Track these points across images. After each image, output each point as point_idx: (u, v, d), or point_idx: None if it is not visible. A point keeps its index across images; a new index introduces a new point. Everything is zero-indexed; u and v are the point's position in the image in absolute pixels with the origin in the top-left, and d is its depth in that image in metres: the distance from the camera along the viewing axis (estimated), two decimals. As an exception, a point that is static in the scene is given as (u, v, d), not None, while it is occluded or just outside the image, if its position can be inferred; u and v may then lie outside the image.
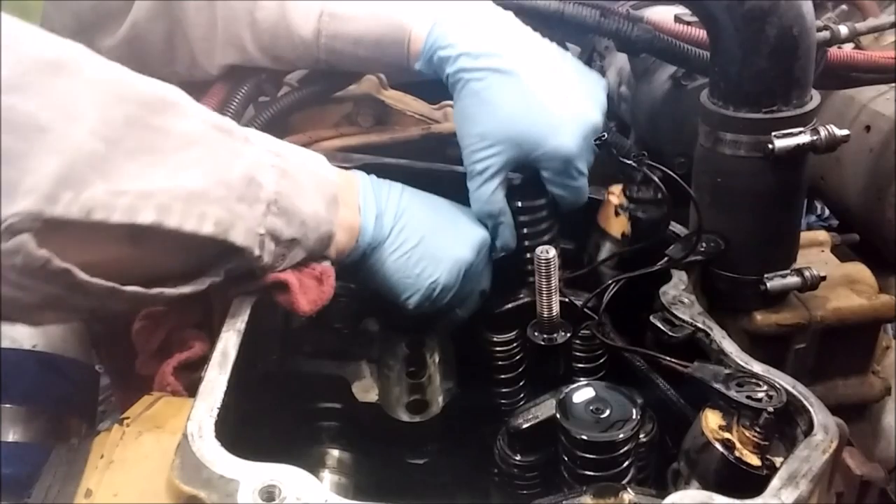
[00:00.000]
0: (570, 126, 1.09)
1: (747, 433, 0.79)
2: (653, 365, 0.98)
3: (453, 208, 1.13)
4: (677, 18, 1.39)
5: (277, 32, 1.24)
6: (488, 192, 1.09)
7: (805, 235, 1.27)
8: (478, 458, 1.12)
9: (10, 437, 1.04)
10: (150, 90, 0.80)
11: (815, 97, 1.09)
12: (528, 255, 1.12)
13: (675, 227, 1.15)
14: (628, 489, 0.75)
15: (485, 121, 1.09)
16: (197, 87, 1.33)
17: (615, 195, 1.18)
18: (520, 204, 1.13)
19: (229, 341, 0.87)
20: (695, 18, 1.33)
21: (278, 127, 1.42)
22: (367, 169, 1.27)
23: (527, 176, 1.13)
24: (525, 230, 1.14)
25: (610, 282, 1.05)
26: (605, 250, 1.19)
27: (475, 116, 1.10)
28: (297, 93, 1.36)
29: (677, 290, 1.02)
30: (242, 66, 1.29)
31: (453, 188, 1.28)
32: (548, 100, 1.10)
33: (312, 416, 1.05)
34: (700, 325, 0.96)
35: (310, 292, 0.93)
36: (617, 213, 1.17)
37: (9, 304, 0.71)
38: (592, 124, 1.12)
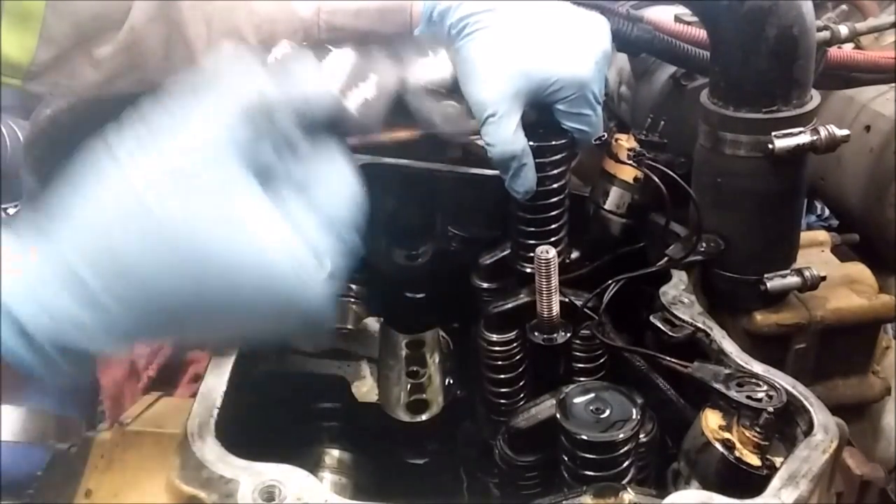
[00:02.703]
0: (580, 51, 1.07)
1: (747, 433, 0.79)
2: (653, 365, 0.98)
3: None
4: (677, 18, 1.39)
5: (276, 16, 1.24)
6: (508, 132, 1.03)
7: (805, 235, 1.27)
8: (478, 458, 1.12)
9: (10, 437, 1.04)
10: None
11: (815, 97, 1.09)
12: (539, 203, 1.09)
13: (675, 227, 1.14)
14: (628, 489, 0.75)
15: (492, 59, 1.06)
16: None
17: (624, 139, 1.15)
18: (535, 144, 1.06)
19: (229, 341, 0.87)
20: (695, 18, 1.33)
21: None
22: (367, 169, 1.28)
23: (540, 117, 1.09)
24: (539, 174, 1.08)
25: (610, 282, 1.05)
26: (615, 196, 1.17)
27: (481, 58, 1.06)
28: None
29: (677, 290, 1.02)
30: None
31: (453, 188, 1.29)
32: (555, 30, 1.08)
33: (312, 416, 1.05)
34: (700, 325, 0.96)
35: None
36: (629, 157, 1.13)
37: None
38: (603, 50, 1.09)
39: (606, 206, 1.17)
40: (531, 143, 1.06)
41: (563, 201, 1.12)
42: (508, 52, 1.05)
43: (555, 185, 1.09)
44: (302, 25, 1.23)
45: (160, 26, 1.23)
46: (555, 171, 1.09)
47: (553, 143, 1.08)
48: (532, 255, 1.07)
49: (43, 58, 1.16)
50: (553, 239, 1.11)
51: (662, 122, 1.21)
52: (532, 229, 1.11)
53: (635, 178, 1.14)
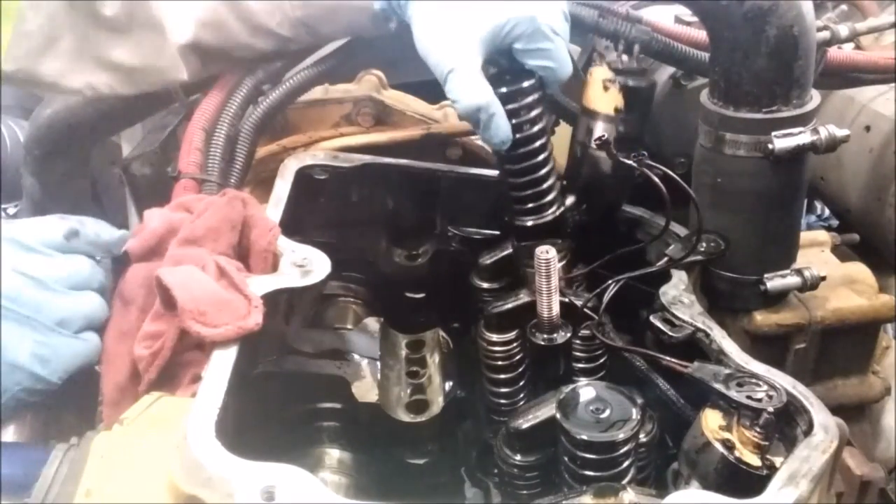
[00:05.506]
0: None
1: (747, 433, 0.79)
2: (653, 365, 0.98)
3: None
4: (677, 19, 1.39)
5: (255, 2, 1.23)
6: (471, 84, 1.03)
7: (805, 235, 1.27)
8: (478, 458, 1.12)
9: (10, 437, 1.04)
10: None
11: (815, 97, 1.09)
12: (522, 150, 1.07)
13: (675, 227, 1.14)
14: (628, 489, 0.75)
15: (441, 16, 1.06)
16: (196, 87, 1.33)
17: (598, 71, 1.12)
18: (504, 90, 1.06)
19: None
20: (694, 19, 1.33)
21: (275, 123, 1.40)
22: (368, 169, 1.28)
23: (504, 65, 1.08)
24: (515, 120, 1.06)
25: (610, 282, 1.05)
26: (600, 131, 1.12)
27: (430, 17, 1.06)
28: (290, 82, 1.35)
29: (677, 290, 1.02)
30: (225, 52, 1.27)
31: (453, 188, 1.29)
32: None
33: (312, 416, 1.05)
34: (700, 325, 0.96)
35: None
36: (606, 88, 1.11)
37: None
38: None
39: (593, 144, 1.14)
40: (502, 89, 1.05)
41: (546, 145, 1.10)
42: (456, 7, 1.05)
43: (534, 129, 1.08)
44: (279, 6, 1.22)
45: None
46: (531, 115, 1.07)
47: (522, 85, 1.06)
48: (528, 206, 1.07)
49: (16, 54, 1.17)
50: (544, 186, 1.10)
51: (637, 47, 1.19)
52: (523, 179, 1.10)
53: (616, 109, 1.11)
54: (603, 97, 1.11)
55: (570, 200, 1.14)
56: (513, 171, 1.10)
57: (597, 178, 1.15)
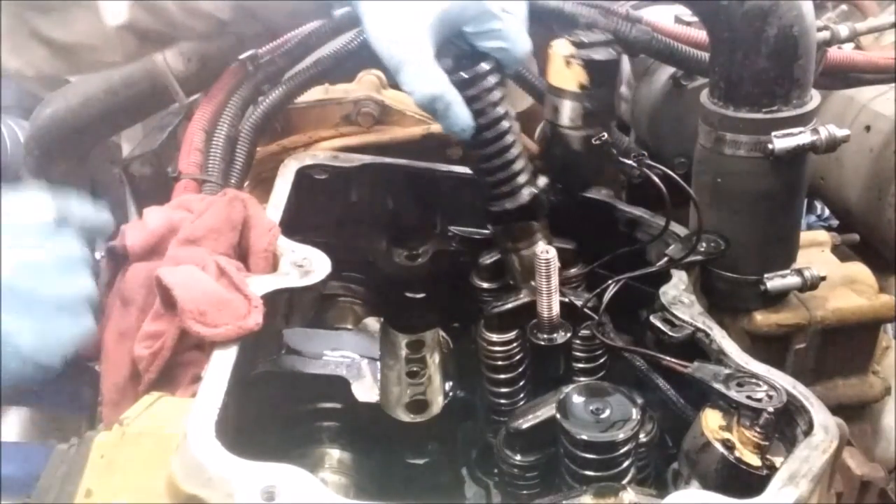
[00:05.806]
0: None
1: (747, 433, 0.79)
2: (653, 365, 0.98)
3: None
4: (677, 19, 1.39)
5: None
6: (424, 75, 1.01)
7: (805, 235, 1.27)
8: (478, 458, 1.12)
9: (10, 437, 1.04)
10: None
11: (815, 97, 1.09)
12: (487, 135, 1.06)
13: (675, 227, 1.14)
14: (628, 489, 0.75)
15: (396, 5, 1.04)
16: (196, 87, 1.33)
17: (559, 46, 1.08)
18: (461, 76, 1.04)
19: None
20: (694, 19, 1.34)
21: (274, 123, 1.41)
22: (368, 169, 1.28)
23: (463, 50, 1.07)
24: (476, 105, 1.04)
25: (610, 282, 1.05)
26: (567, 109, 1.08)
27: (386, 7, 1.04)
28: (289, 83, 1.34)
29: (677, 290, 1.02)
30: (162, 33, 1.25)
31: (453, 188, 1.29)
32: None
33: (312, 416, 1.05)
34: (700, 325, 0.96)
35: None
36: (568, 64, 1.06)
37: None
38: None
39: (561, 123, 1.11)
40: (462, 74, 1.04)
41: (511, 128, 1.08)
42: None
43: (497, 112, 1.06)
44: None
45: None
46: (491, 98, 1.06)
47: (478, 70, 1.05)
48: (501, 190, 1.06)
49: None
50: (514, 168, 1.08)
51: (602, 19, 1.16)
52: (492, 164, 1.08)
53: (581, 85, 1.07)
54: (566, 73, 1.07)
55: (543, 181, 1.12)
56: (480, 156, 1.09)
57: (569, 157, 1.12)
